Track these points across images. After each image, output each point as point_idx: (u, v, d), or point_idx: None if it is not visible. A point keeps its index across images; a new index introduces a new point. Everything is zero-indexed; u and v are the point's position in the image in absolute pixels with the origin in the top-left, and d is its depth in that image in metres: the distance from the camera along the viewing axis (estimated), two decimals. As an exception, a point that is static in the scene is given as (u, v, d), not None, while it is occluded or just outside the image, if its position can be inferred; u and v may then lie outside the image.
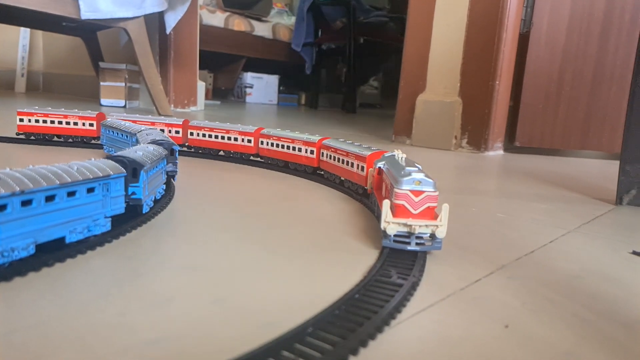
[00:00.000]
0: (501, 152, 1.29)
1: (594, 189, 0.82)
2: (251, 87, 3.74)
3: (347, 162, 0.64)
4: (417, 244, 0.39)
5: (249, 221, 0.49)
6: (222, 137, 0.85)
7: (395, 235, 0.39)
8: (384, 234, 0.39)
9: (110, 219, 0.39)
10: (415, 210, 0.39)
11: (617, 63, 1.24)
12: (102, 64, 2.23)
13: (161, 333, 0.26)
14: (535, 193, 0.75)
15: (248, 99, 3.70)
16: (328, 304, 0.29)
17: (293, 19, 3.65)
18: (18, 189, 0.30)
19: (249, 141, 0.82)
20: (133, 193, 0.42)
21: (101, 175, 0.37)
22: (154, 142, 0.57)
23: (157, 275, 0.34)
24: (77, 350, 0.24)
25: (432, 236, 0.39)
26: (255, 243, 0.42)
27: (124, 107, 2.21)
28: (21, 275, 0.32)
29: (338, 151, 0.66)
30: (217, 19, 3.15)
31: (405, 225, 0.39)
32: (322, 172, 0.73)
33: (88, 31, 2.23)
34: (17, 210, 0.31)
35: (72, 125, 0.89)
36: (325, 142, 0.71)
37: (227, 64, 3.55)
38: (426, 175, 0.40)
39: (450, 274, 0.37)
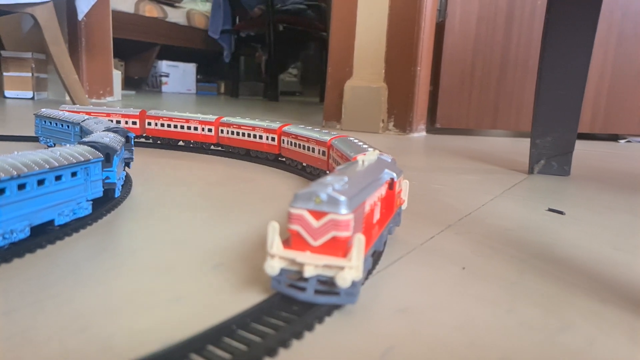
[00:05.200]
0: (424, 133, 1.40)
1: (508, 162, 0.93)
2: (167, 75, 3.63)
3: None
4: (316, 291, 0.27)
5: (215, 202, 0.52)
6: (248, 135, 0.77)
7: (288, 276, 0.27)
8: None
9: (91, 202, 0.40)
10: (315, 240, 0.27)
11: (520, 49, 1.38)
12: (4, 53, 2.06)
13: (178, 293, 0.29)
14: (461, 167, 0.84)
15: (164, 88, 3.59)
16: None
17: (208, 5, 3.58)
18: (15, 173, 0.31)
19: (273, 139, 0.74)
20: (107, 177, 0.44)
21: (82, 160, 0.38)
22: (109, 129, 0.57)
23: (151, 250, 0.36)
24: (107, 312, 0.26)
25: (330, 283, 0.27)
26: (229, 219, 0.45)
27: (32, 99, 2.07)
28: (19, 257, 0.33)
29: (338, 152, 0.56)
30: (126, 4, 3.02)
31: (293, 262, 0.27)
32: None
33: (-15, 17, 2.05)
34: (14, 194, 0.32)
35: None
36: (333, 142, 0.60)
37: (140, 51, 3.41)
38: (343, 191, 0.27)
39: (409, 234, 0.43)
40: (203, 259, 0.35)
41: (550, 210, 0.55)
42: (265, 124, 0.76)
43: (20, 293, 0.28)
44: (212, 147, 0.84)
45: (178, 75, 3.69)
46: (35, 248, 0.34)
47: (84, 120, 0.68)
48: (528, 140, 0.80)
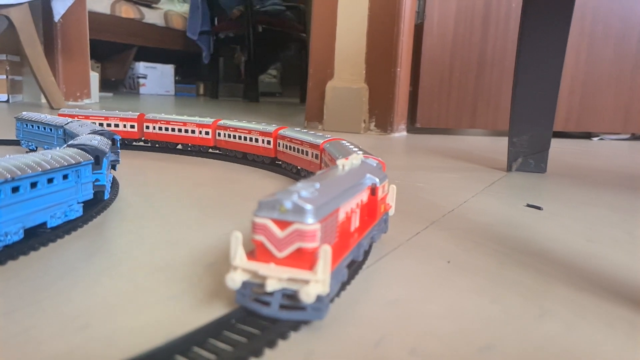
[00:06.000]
0: (405, 133, 1.42)
1: (487, 160, 0.96)
2: (145, 77, 3.59)
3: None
4: (281, 306, 0.25)
5: (203, 203, 0.53)
6: (245, 139, 0.76)
7: (253, 290, 0.26)
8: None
9: (82, 204, 0.41)
10: (279, 252, 0.25)
11: (496, 50, 1.42)
12: (-23, 55, 2.02)
13: (175, 291, 0.30)
14: (442, 166, 0.86)
15: (142, 89, 3.55)
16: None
17: (185, 6, 3.56)
18: (9, 176, 0.32)
19: (269, 142, 0.73)
20: (97, 180, 0.44)
21: (73, 162, 0.39)
22: (95, 132, 0.57)
23: (144, 250, 0.37)
24: (107, 311, 0.27)
25: (295, 297, 0.25)
26: (218, 220, 0.46)
27: (7, 101, 2.03)
28: (13, 259, 0.33)
29: (329, 156, 0.54)
30: (102, 4, 2.98)
31: (256, 275, 0.26)
32: None
33: (-43, 18, 2.00)
34: (8, 197, 0.32)
35: (113, 127, 0.85)
36: (325, 145, 0.58)
37: (116, 53, 3.37)
38: (310, 198, 0.25)
39: (395, 231, 0.44)
40: (196, 258, 0.35)
41: (529, 205, 0.57)
42: (261, 126, 0.75)
43: (18, 294, 0.28)
44: (209, 150, 0.83)
45: (156, 77, 3.66)
46: (28, 250, 0.34)
47: (68, 123, 0.67)
48: (505, 139, 0.82)
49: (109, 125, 0.86)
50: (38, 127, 0.73)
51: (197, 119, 0.83)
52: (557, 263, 0.38)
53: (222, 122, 0.80)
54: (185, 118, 0.83)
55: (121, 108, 1.74)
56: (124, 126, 0.86)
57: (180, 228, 0.43)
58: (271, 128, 0.73)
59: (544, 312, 0.29)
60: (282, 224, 0.25)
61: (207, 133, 0.81)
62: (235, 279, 0.25)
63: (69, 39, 2.14)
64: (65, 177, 0.38)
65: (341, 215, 0.29)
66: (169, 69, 3.73)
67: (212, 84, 3.53)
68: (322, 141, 0.60)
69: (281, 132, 0.71)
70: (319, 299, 0.25)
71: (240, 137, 0.77)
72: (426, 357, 0.24)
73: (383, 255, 0.38)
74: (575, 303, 0.31)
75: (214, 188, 0.60)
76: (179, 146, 0.85)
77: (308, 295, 0.24)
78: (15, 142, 0.80)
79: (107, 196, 0.47)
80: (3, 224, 0.32)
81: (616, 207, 0.59)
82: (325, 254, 0.24)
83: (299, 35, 3.29)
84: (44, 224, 0.36)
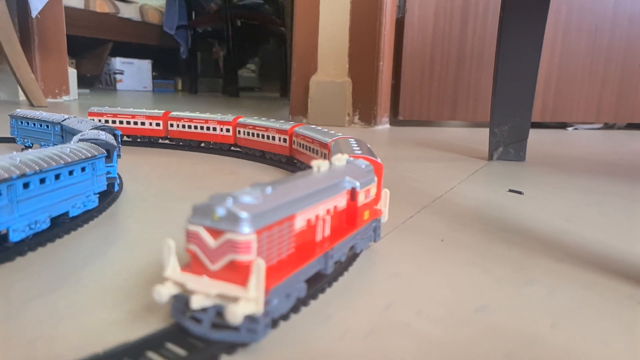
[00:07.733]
0: (388, 125, 1.46)
1: (468, 150, 1.00)
2: (121, 73, 3.56)
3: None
4: (214, 325, 0.23)
5: (201, 194, 0.55)
6: (262, 136, 0.75)
7: (185, 304, 0.23)
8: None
9: (97, 195, 0.43)
10: (212, 264, 0.23)
11: (475, 44, 1.46)
12: (-48, 52, 1.98)
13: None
14: (426, 156, 0.90)
15: (119, 86, 3.52)
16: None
17: (161, 0, 3.53)
18: (37, 168, 0.34)
19: (285, 140, 0.72)
20: (108, 172, 0.46)
21: (90, 155, 0.41)
22: (96, 127, 0.59)
23: (163, 235, 0.39)
24: (145, 285, 0.29)
25: (222, 315, 0.22)
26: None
27: (-17, 99, 2.00)
28: (42, 246, 0.35)
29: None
30: (75, -1, 2.94)
31: (184, 288, 0.23)
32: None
33: None
34: (37, 188, 0.34)
35: (139, 125, 0.86)
36: (331, 144, 0.56)
37: (91, 48, 3.33)
38: (250, 205, 0.23)
39: (390, 215, 0.48)
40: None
41: (511, 190, 0.61)
42: (278, 124, 0.74)
43: (56, 274, 0.31)
44: (231, 148, 0.82)
45: (133, 73, 3.62)
46: (54, 238, 0.37)
47: (65, 120, 0.69)
48: (485, 130, 0.87)
49: (135, 123, 0.87)
50: (34, 124, 0.74)
51: (218, 116, 0.82)
52: (539, 239, 0.42)
53: (241, 119, 0.80)
54: (207, 115, 0.83)
55: (101, 104, 1.74)
56: (150, 124, 0.87)
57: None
58: (287, 125, 0.72)
59: (529, 279, 0.33)
60: (215, 233, 0.22)
61: (227, 130, 0.81)
62: (161, 293, 0.23)
63: (46, 35, 2.12)
64: (83, 169, 0.40)
65: (299, 223, 0.27)
66: (146, 65, 3.69)
67: (190, 79, 3.52)
68: (330, 139, 0.57)
69: (296, 129, 0.70)
70: (254, 319, 0.22)
71: (258, 135, 0.76)
72: (431, 317, 0.27)
73: (382, 236, 0.41)
74: (556, 272, 0.35)
75: (217, 180, 0.63)
76: (202, 144, 0.85)
77: (234, 315, 0.21)
78: (10, 140, 0.81)
79: (117, 188, 0.49)
80: (33, 213, 0.34)
81: (590, 191, 0.64)
82: (259, 268, 0.22)
83: (277, 29, 3.31)
84: (66, 213, 0.39)
